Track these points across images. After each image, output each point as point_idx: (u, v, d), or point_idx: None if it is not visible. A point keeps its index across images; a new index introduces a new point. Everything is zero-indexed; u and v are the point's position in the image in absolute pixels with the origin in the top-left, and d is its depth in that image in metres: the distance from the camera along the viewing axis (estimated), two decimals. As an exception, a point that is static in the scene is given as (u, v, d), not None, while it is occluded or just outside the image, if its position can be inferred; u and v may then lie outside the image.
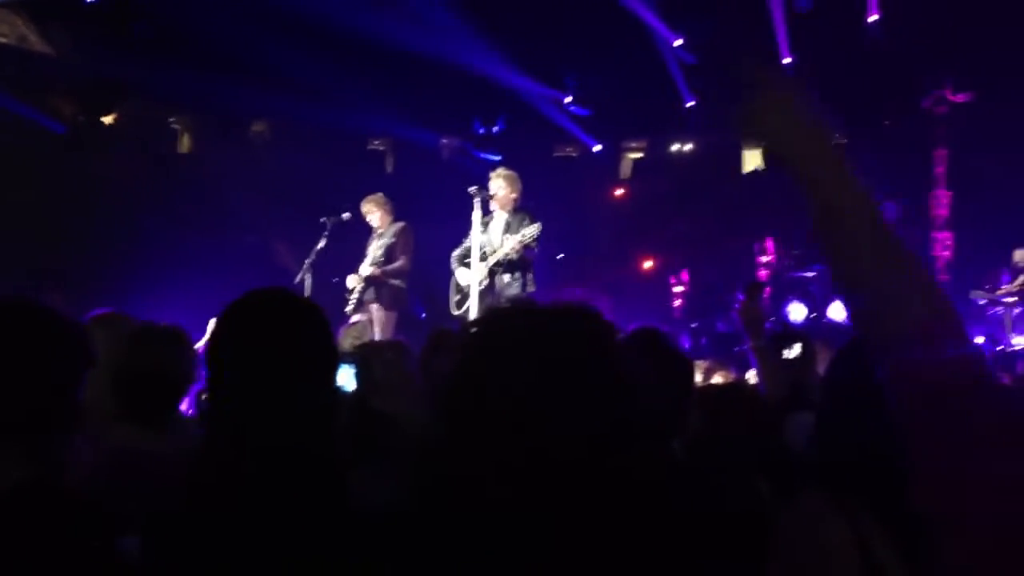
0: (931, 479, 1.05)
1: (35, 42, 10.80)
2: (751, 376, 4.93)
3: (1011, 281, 10.78)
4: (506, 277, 7.51)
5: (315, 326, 1.80)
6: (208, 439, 1.77)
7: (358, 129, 13.32)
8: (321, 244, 8.34)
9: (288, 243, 10.42)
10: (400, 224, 8.47)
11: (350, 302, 8.34)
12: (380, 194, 8.60)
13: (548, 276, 8.60)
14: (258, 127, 13.57)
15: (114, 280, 9.34)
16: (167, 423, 2.72)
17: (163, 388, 2.71)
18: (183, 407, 3.16)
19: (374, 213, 8.48)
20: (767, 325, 3.63)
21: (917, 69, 11.32)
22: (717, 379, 5.36)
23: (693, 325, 11.65)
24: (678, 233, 13.16)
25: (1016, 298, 10.65)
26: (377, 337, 7.68)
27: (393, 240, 8.37)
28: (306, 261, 8.30)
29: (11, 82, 10.10)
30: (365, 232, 8.59)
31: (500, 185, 7.68)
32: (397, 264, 8.31)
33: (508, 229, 7.58)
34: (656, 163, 14.77)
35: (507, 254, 7.41)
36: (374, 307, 8.28)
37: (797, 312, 11.00)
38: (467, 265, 7.70)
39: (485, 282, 7.57)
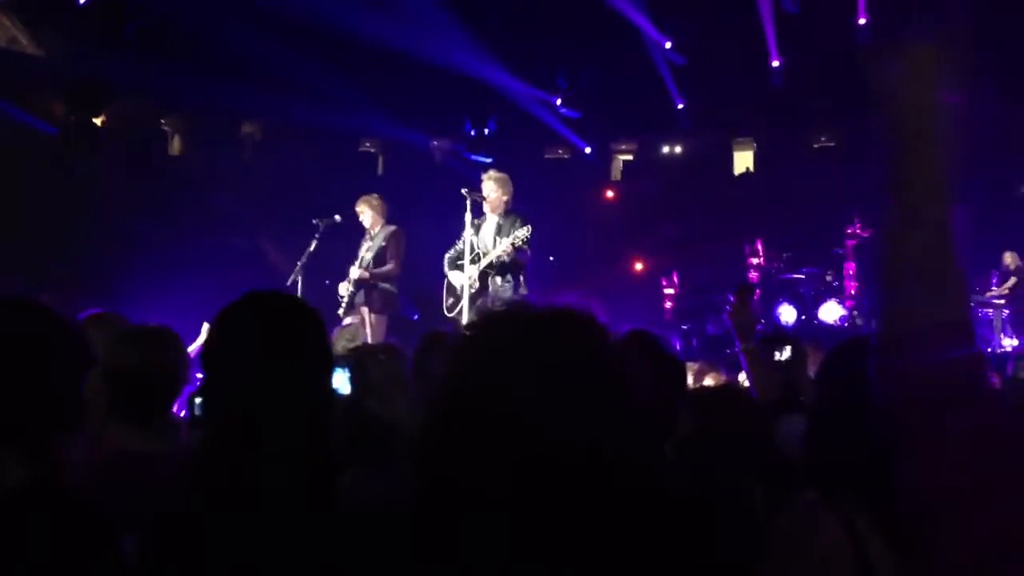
0: (927, 479, 1.07)
1: (26, 44, 10.77)
2: (742, 378, 4.94)
3: (1000, 283, 10.87)
4: (499, 280, 7.48)
5: (312, 329, 1.81)
6: (205, 441, 1.77)
7: (349, 131, 13.32)
8: (313, 246, 8.27)
9: (279, 244, 10.38)
10: (392, 228, 8.37)
11: (342, 305, 8.30)
12: (375, 194, 8.50)
13: (539, 278, 8.58)
14: (249, 129, 13.56)
15: (104, 281, 9.33)
16: (156, 424, 2.71)
17: (150, 389, 2.69)
18: (175, 409, 3.15)
19: (366, 213, 8.36)
20: (758, 327, 3.64)
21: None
22: (708, 381, 5.37)
23: (684, 327, 11.66)
24: (668, 235, 13.17)
25: (1004, 301, 10.74)
26: (369, 341, 7.65)
27: (383, 244, 8.27)
28: (298, 263, 8.25)
29: (2, 84, 10.06)
30: (357, 234, 8.51)
31: (491, 188, 7.63)
32: (386, 268, 8.23)
33: (499, 231, 7.54)
34: (647, 165, 14.82)
35: (499, 256, 7.39)
36: (364, 310, 8.24)
37: (787, 314, 11.03)
38: (460, 267, 7.64)
39: (477, 285, 7.55)
